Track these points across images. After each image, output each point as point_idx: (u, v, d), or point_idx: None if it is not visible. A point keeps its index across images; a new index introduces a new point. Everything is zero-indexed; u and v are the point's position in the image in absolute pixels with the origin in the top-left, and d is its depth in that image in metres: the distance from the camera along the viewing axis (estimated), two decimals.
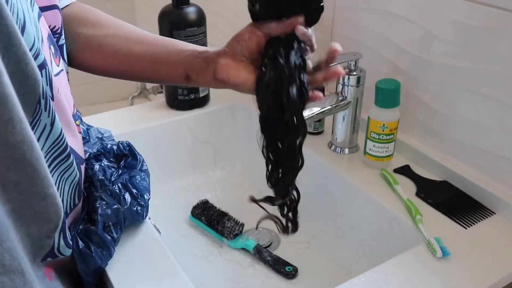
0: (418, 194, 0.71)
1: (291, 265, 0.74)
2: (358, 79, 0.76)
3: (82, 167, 0.58)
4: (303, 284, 0.72)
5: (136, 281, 0.57)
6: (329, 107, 0.76)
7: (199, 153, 0.94)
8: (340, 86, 0.77)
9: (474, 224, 0.66)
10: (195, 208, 0.84)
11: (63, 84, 0.54)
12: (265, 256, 0.76)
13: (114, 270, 0.58)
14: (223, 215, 0.82)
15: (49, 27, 0.55)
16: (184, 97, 0.92)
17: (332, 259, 0.76)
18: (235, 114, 0.96)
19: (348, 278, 0.58)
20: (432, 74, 0.74)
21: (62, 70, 0.55)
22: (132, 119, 0.90)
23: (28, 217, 0.46)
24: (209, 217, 0.82)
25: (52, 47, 0.53)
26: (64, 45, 0.59)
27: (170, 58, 0.60)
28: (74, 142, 0.55)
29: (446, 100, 0.73)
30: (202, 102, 0.95)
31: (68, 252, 0.53)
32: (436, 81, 0.74)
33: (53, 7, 0.56)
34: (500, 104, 0.66)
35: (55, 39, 0.56)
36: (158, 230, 0.66)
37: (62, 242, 0.50)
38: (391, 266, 0.59)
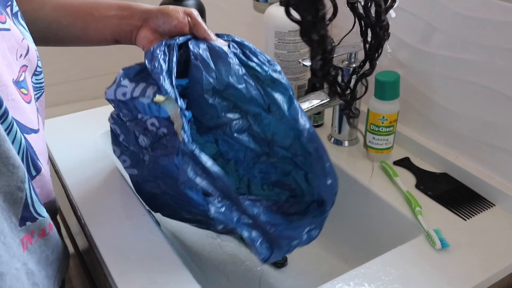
0: (417, 186, 0.71)
1: None
2: None
3: (30, 137, 0.54)
4: (300, 276, 0.73)
5: (136, 274, 0.57)
6: (329, 99, 0.75)
7: None
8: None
9: (473, 216, 0.66)
10: None
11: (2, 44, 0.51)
12: None
13: (115, 265, 0.58)
14: None
15: None
16: None
17: (331, 250, 0.76)
18: None
19: (347, 269, 0.58)
20: (432, 66, 0.74)
21: (8, 29, 0.52)
22: None
23: None
24: None
25: None
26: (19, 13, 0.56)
27: (97, 27, 0.64)
28: (13, 108, 0.51)
29: (446, 92, 0.73)
30: None
31: (43, 211, 0.50)
32: (436, 73, 0.74)
33: None
34: (501, 96, 0.66)
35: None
36: (157, 222, 0.66)
37: (34, 196, 0.48)
38: (390, 258, 0.59)
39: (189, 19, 0.62)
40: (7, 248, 0.45)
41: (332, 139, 0.82)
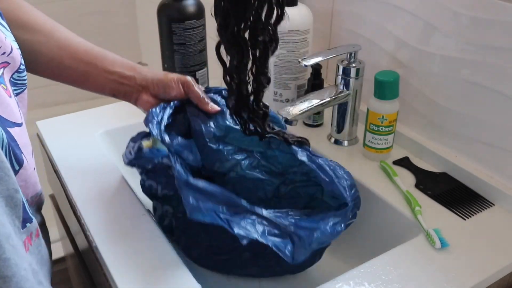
0: (417, 185, 0.71)
1: None
2: (357, 71, 0.75)
3: (13, 130, 0.54)
4: (300, 275, 0.73)
5: (136, 274, 0.57)
6: (328, 99, 0.76)
7: None
8: (339, 78, 0.77)
9: (473, 215, 0.66)
10: None
11: None
12: None
13: (115, 264, 0.58)
14: None
15: None
16: None
17: (331, 250, 0.76)
18: None
19: (347, 269, 0.58)
20: (432, 66, 0.74)
21: None
22: (136, 112, 0.89)
23: None
24: None
25: None
26: None
27: (98, 79, 0.68)
28: None
29: (445, 92, 0.73)
30: None
31: (32, 210, 0.50)
32: (435, 73, 0.74)
33: None
34: (500, 96, 0.66)
35: None
36: (157, 222, 0.66)
37: (23, 196, 0.49)
38: (390, 257, 0.59)
39: (185, 88, 0.68)
40: (16, 251, 0.45)
41: (332, 138, 0.83)
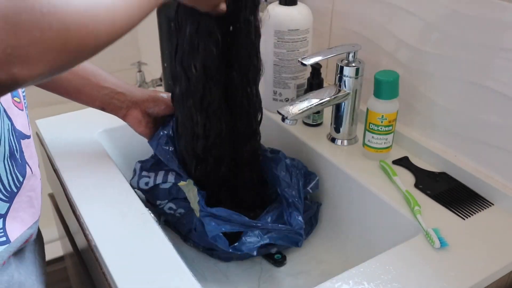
0: (416, 185, 0.71)
1: (280, 253, 0.74)
2: (357, 70, 0.75)
3: (23, 142, 0.58)
4: (301, 275, 0.73)
5: (136, 273, 0.57)
6: (328, 98, 0.75)
7: None
8: (338, 78, 0.77)
9: (472, 215, 0.66)
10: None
11: None
12: None
13: (114, 263, 0.58)
14: None
15: None
16: None
17: (331, 250, 0.77)
18: None
19: (346, 268, 0.58)
20: (432, 65, 0.74)
21: None
22: None
23: None
24: None
25: None
26: None
27: (91, 92, 0.72)
28: (12, 115, 0.55)
29: (445, 91, 0.73)
30: None
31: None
32: (435, 73, 0.74)
33: None
34: (500, 96, 0.66)
35: None
36: (157, 221, 0.66)
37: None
38: (389, 257, 0.59)
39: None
40: (28, 274, 0.46)
41: (331, 138, 0.83)
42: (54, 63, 0.34)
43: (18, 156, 0.55)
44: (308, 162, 0.83)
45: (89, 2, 0.36)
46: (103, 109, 0.74)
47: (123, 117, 0.75)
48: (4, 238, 0.55)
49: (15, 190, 0.56)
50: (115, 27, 0.38)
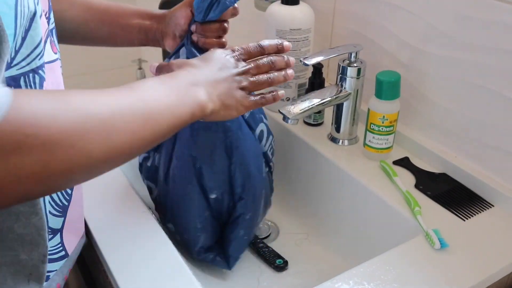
0: (417, 186, 0.72)
1: (282, 258, 0.74)
2: (359, 70, 0.75)
3: None
4: (301, 275, 0.73)
5: (137, 271, 0.57)
6: (329, 98, 0.75)
7: None
8: (340, 78, 0.77)
9: (472, 216, 0.66)
10: None
11: (56, 74, 0.52)
12: (259, 247, 0.76)
13: (115, 262, 0.58)
14: None
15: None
16: None
17: (331, 250, 0.77)
18: None
19: (346, 268, 0.58)
20: (433, 66, 0.74)
21: (58, 58, 0.53)
22: None
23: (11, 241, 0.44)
24: None
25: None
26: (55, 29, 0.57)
27: (125, 34, 0.68)
28: None
29: (446, 92, 0.73)
30: None
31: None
32: (436, 74, 0.74)
33: None
34: (501, 97, 0.66)
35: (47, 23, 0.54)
36: (158, 219, 0.66)
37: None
38: (389, 257, 0.59)
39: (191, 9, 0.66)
40: None
41: (332, 138, 0.83)
42: (31, 191, 0.31)
43: None
44: (309, 161, 0.83)
45: (79, 117, 0.33)
46: (143, 45, 0.71)
47: (163, 47, 0.70)
48: (63, 253, 0.54)
49: (66, 204, 0.55)
50: (114, 144, 0.35)
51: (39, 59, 0.43)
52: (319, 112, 0.86)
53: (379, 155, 0.77)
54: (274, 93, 0.57)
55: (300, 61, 0.74)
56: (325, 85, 0.86)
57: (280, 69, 0.58)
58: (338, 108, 0.80)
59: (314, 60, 0.74)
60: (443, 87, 0.74)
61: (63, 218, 0.54)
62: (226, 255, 0.69)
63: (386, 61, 0.82)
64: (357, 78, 0.76)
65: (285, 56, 0.59)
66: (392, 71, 0.74)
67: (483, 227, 0.64)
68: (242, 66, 0.55)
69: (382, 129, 0.74)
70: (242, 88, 0.54)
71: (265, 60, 0.56)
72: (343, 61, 0.77)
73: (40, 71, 0.44)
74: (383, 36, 0.81)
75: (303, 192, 0.85)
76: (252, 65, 0.55)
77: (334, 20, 0.91)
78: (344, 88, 0.77)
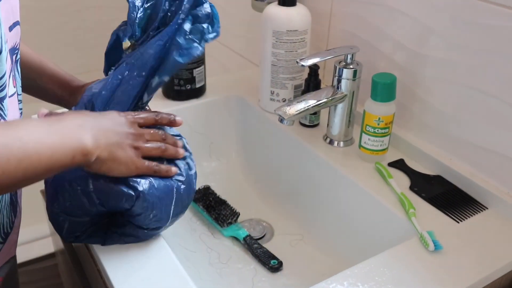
0: (412, 188, 0.72)
1: (276, 258, 0.74)
2: (355, 72, 0.76)
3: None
4: (295, 275, 0.73)
5: (131, 271, 0.57)
6: (325, 100, 0.76)
7: (195, 143, 0.93)
8: (336, 79, 0.77)
9: (466, 218, 0.66)
10: (196, 192, 0.84)
11: (14, 108, 0.53)
12: (253, 248, 0.76)
13: (109, 261, 0.58)
14: (221, 202, 0.83)
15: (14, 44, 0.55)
16: (181, 87, 0.92)
17: (325, 251, 0.77)
18: (230, 105, 0.96)
19: (341, 269, 0.58)
20: (429, 68, 0.74)
21: (15, 93, 0.55)
22: None
23: None
24: (207, 203, 0.82)
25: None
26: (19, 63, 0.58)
27: (44, 95, 0.71)
28: None
29: (441, 95, 0.74)
30: (198, 93, 0.94)
31: None
32: (432, 76, 0.74)
33: (16, 23, 0.54)
34: (496, 100, 0.66)
35: (14, 56, 0.55)
36: None
37: None
38: (383, 259, 0.59)
39: None
40: None
41: (328, 139, 0.83)
42: None
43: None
44: (304, 162, 0.83)
45: None
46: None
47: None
48: None
49: (9, 231, 0.57)
50: None
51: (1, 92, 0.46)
52: (315, 113, 0.86)
53: (375, 157, 0.77)
54: (168, 168, 0.57)
55: (297, 62, 0.74)
56: (321, 86, 0.87)
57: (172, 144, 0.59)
58: (334, 110, 0.80)
59: (310, 62, 0.74)
60: (439, 89, 0.74)
61: (2, 245, 0.57)
62: None
63: (382, 63, 0.82)
64: (353, 80, 0.76)
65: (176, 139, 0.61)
66: (388, 73, 0.74)
67: (477, 229, 0.64)
68: (137, 129, 0.55)
69: (378, 131, 0.74)
70: (135, 148, 0.53)
71: (159, 131, 0.58)
72: (340, 62, 0.77)
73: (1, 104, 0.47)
74: (380, 38, 0.81)
75: (298, 193, 0.85)
76: (147, 131, 0.56)
77: (330, 22, 0.91)
78: (340, 89, 0.77)
